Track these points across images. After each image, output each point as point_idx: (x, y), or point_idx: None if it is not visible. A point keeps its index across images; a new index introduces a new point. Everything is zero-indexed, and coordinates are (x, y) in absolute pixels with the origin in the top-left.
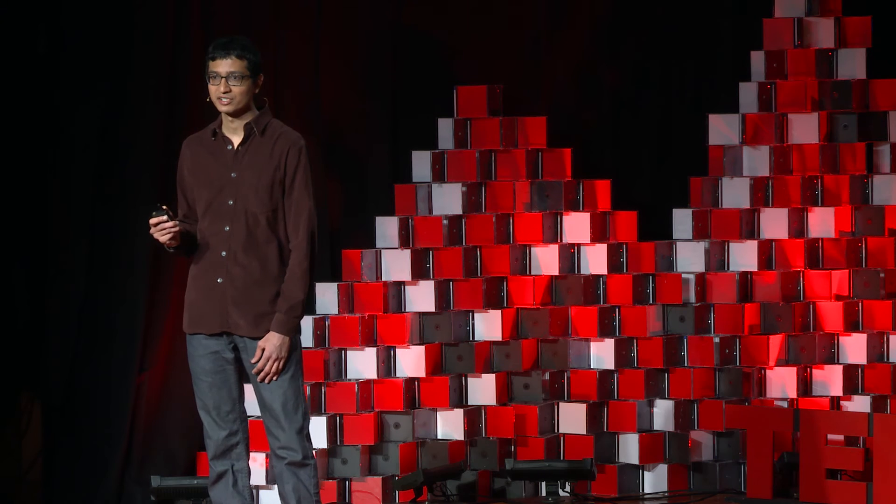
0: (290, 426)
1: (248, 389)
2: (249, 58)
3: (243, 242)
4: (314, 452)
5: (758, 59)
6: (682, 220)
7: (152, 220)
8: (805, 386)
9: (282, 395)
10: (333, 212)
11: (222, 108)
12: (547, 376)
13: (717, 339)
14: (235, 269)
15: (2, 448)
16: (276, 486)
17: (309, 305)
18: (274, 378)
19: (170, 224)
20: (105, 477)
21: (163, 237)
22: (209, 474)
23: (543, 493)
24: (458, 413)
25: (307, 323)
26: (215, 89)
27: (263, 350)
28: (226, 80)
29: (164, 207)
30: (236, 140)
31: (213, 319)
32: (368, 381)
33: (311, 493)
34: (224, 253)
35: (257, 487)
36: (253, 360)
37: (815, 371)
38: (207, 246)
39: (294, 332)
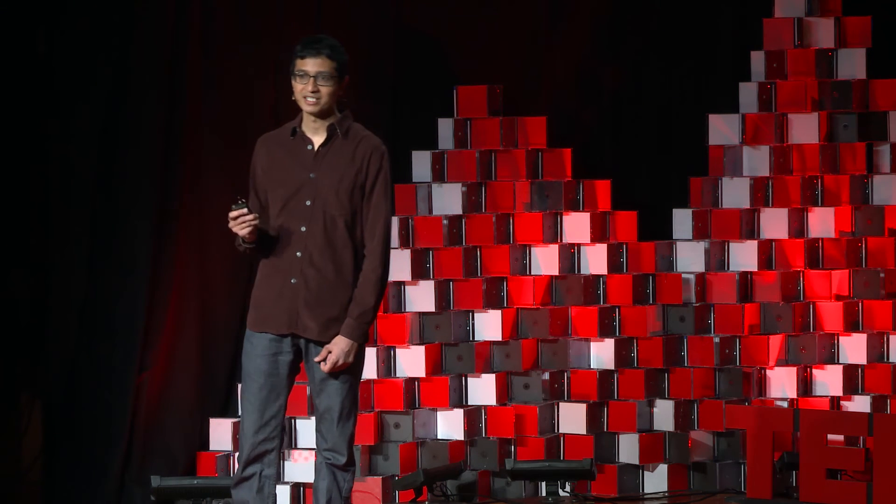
0: (340, 431)
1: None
2: (338, 58)
3: (320, 244)
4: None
5: (758, 59)
6: (682, 220)
7: (232, 213)
8: (805, 386)
9: (339, 401)
10: None
11: (307, 108)
12: (547, 376)
13: (717, 339)
14: (310, 271)
15: (2, 448)
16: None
17: None
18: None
19: (250, 217)
20: (105, 477)
21: (242, 230)
22: (235, 472)
23: (543, 493)
24: (458, 413)
25: None
26: (302, 87)
27: (330, 352)
28: (314, 79)
29: (244, 200)
30: (317, 140)
31: (282, 320)
32: (368, 381)
33: (342, 496)
34: (299, 253)
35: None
36: (317, 360)
37: (815, 371)
38: (282, 245)
39: (363, 339)
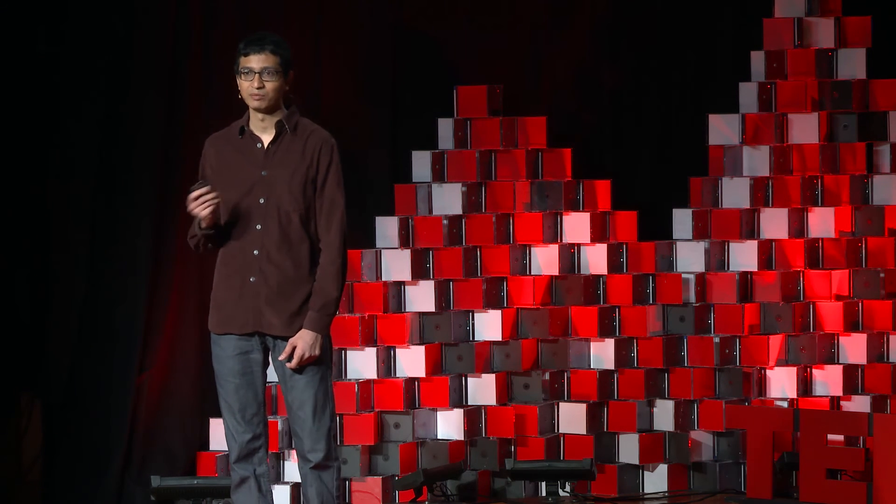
0: (317, 427)
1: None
2: (282, 54)
3: (276, 241)
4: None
5: (758, 59)
6: (682, 220)
7: (193, 194)
8: (805, 386)
9: (311, 396)
10: None
11: (254, 104)
12: (547, 376)
13: (717, 339)
14: (269, 268)
15: (2, 448)
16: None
17: None
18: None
19: (211, 196)
20: (105, 477)
21: (204, 210)
22: (231, 476)
23: (543, 493)
24: (458, 413)
25: None
26: (248, 85)
27: (295, 347)
28: (259, 75)
29: (204, 181)
30: (266, 138)
31: (245, 319)
32: (368, 381)
33: (333, 495)
34: (256, 251)
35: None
36: (281, 357)
37: (815, 371)
38: (238, 245)
39: (326, 330)
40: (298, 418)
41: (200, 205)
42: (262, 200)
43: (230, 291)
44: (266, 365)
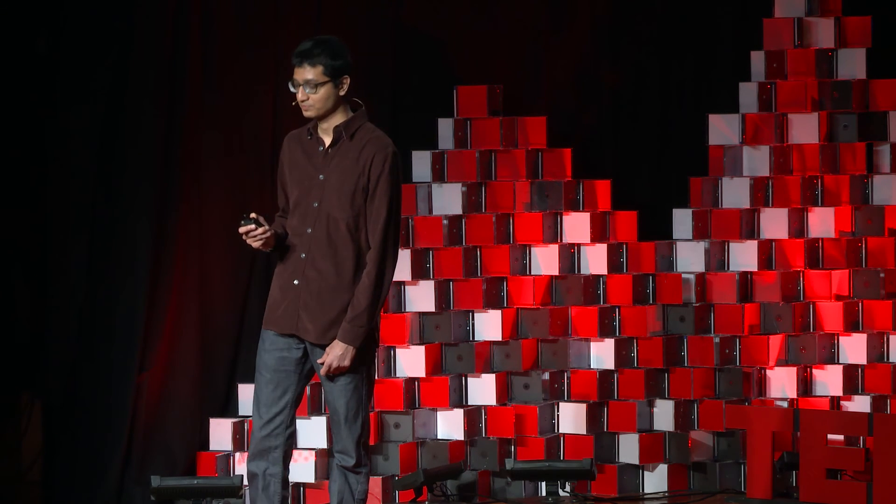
0: (347, 433)
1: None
2: (326, 62)
3: (323, 246)
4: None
5: (758, 59)
6: (682, 220)
7: (241, 230)
8: (805, 386)
9: (343, 405)
10: None
11: (305, 115)
12: (547, 376)
13: (717, 339)
14: (311, 273)
15: (2, 448)
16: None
17: None
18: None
19: (259, 231)
20: (105, 477)
21: (255, 244)
22: (246, 471)
23: (543, 493)
24: (458, 413)
25: None
26: (296, 96)
27: (328, 356)
28: (302, 88)
29: (253, 216)
30: (328, 142)
31: (285, 320)
32: None
33: (354, 497)
34: (304, 255)
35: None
36: (319, 361)
37: (815, 371)
38: (292, 246)
39: (358, 342)
40: (333, 421)
41: (250, 239)
42: (315, 204)
43: (277, 290)
44: (305, 368)
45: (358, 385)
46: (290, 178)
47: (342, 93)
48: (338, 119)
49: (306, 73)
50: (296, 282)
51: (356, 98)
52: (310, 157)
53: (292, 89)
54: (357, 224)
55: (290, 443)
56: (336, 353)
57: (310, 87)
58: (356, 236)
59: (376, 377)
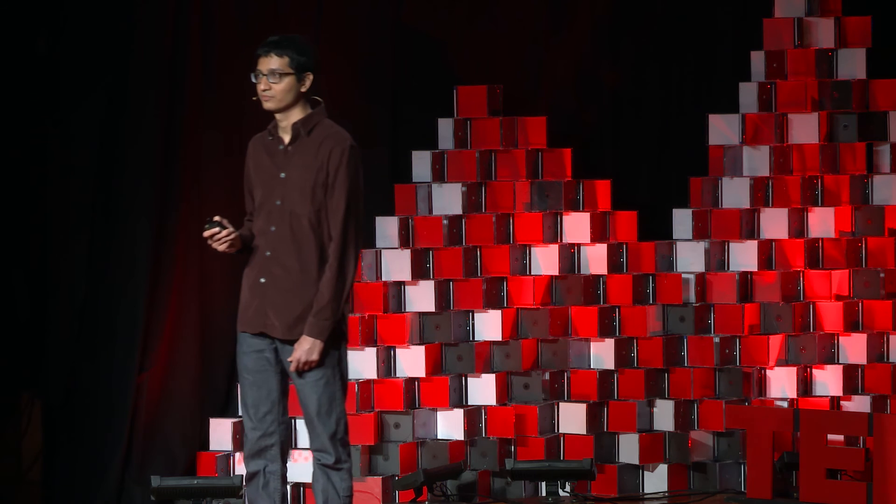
0: (322, 429)
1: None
2: (292, 55)
3: (287, 243)
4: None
5: (758, 59)
6: (682, 220)
7: (205, 234)
8: (805, 386)
9: (315, 400)
10: None
11: (264, 106)
12: (547, 376)
13: (717, 339)
14: (277, 270)
15: (2, 448)
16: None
17: None
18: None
19: (224, 234)
20: (105, 477)
21: (220, 247)
22: (245, 471)
23: (543, 493)
24: (458, 413)
25: None
26: (257, 87)
27: (296, 351)
28: (266, 77)
29: (217, 219)
30: (287, 139)
31: (254, 319)
32: (368, 381)
33: (339, 496)
34: (269, 253)
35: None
36: (288, 359)
37: (815, 371)
38: (257, 245)
39: (325, 336)
40: (306, 419)
41: (214, 243)
42: (278, 202)
43: (247, 290)
44: (280, 364)
45: (329, 380)
46: (256, 179)
47: (303, 89)
48: (296, 115)
49: (271, 62)
50: (262, 280)
51: (357, 101)
52: (272, 157)
53: (254, 80)
54: (319, 219)
55: (287, 435)
56: (304, 348)
57: (273, 77)
58: (318, 231)
59: (376, 377)
